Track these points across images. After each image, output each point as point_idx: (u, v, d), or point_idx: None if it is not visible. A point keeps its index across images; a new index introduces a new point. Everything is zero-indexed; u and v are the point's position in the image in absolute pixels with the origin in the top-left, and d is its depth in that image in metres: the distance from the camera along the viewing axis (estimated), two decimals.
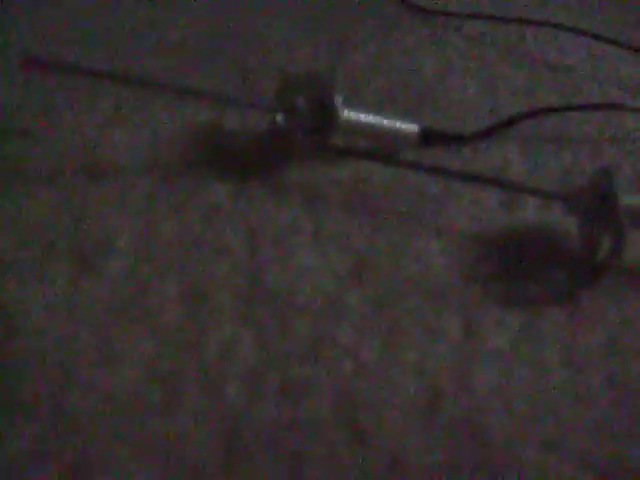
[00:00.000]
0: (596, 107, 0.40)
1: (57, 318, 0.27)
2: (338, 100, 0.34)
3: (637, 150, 0.40)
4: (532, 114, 0.40)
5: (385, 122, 0.36)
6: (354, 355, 0.27)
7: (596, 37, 0.49)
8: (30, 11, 0.48)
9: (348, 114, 0.35)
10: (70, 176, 0.34)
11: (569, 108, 0.40)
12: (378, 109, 0.42)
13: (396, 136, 0.37)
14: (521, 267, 0.32)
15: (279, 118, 0.35)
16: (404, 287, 0.30)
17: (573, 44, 0.52)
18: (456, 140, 0.39)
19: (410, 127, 0.37)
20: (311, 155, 0.36)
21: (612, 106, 0.40)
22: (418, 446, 0.24)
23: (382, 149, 0.38)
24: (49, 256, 0.30)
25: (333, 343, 0.28)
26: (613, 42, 0.49)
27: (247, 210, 0.33)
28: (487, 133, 0.39)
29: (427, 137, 0.38)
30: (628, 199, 0.31)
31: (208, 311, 0.28)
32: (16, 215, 0.32)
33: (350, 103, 0.37)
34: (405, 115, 0.41)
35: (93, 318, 0.28)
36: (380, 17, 0.55)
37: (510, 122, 0.40)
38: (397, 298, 0.30)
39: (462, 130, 0.40)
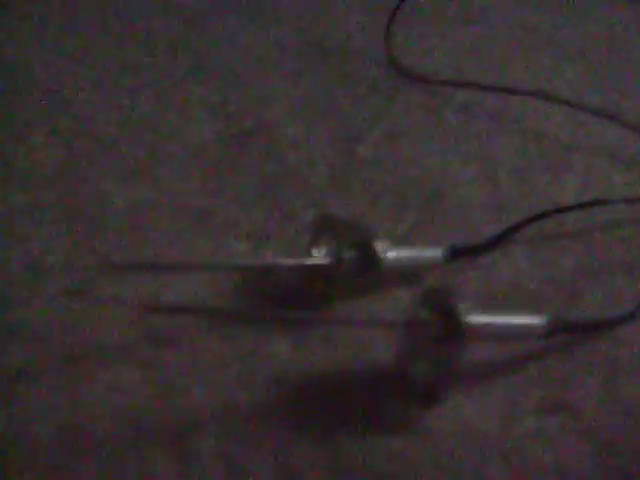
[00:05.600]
0: (589, 204, 0.45)
1: None
2: (381, 248, 0.38)
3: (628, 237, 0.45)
4: (539, 217, 0.44)
5: (416, 252, 0.41)
6: None
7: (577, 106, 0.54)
8: None
9: (392, 255, 0.39)
10: None
11: (569, 208, 0.45)
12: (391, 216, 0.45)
13: (422, 259, 0.41)
14: None
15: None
16: None
17: (558, 112, 0.56)
18: (472, 252, 0.43)
19: (436, 250, 0.41)
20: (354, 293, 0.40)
21: (597, 202, 0.45)
22: None
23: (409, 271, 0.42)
24: None
25: None
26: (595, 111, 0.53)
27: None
28: (498, 240, 0.43)
29: (454, 254, 0.42)
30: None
31: None
32: None
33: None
34: (419, 221, 0.45)
35: None
36: (377, 91, 0.57)
37: (518, 227, 0.44)
38: None
39: (475, 236, 0.44)
